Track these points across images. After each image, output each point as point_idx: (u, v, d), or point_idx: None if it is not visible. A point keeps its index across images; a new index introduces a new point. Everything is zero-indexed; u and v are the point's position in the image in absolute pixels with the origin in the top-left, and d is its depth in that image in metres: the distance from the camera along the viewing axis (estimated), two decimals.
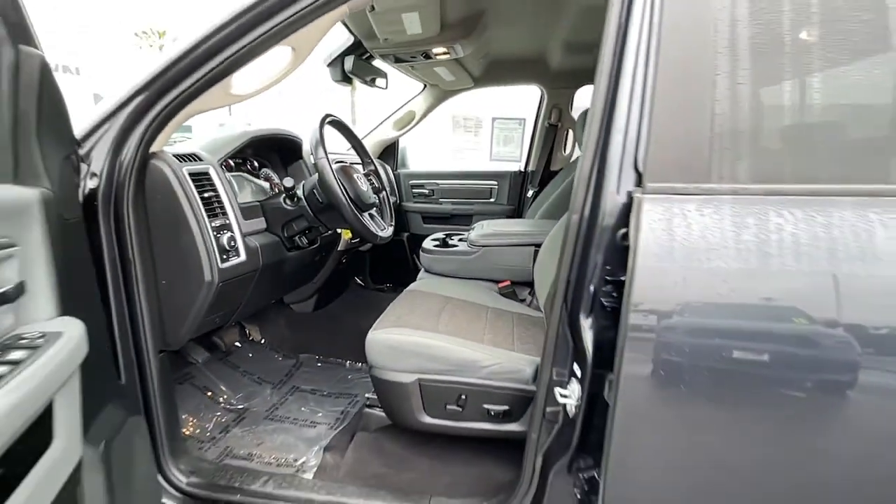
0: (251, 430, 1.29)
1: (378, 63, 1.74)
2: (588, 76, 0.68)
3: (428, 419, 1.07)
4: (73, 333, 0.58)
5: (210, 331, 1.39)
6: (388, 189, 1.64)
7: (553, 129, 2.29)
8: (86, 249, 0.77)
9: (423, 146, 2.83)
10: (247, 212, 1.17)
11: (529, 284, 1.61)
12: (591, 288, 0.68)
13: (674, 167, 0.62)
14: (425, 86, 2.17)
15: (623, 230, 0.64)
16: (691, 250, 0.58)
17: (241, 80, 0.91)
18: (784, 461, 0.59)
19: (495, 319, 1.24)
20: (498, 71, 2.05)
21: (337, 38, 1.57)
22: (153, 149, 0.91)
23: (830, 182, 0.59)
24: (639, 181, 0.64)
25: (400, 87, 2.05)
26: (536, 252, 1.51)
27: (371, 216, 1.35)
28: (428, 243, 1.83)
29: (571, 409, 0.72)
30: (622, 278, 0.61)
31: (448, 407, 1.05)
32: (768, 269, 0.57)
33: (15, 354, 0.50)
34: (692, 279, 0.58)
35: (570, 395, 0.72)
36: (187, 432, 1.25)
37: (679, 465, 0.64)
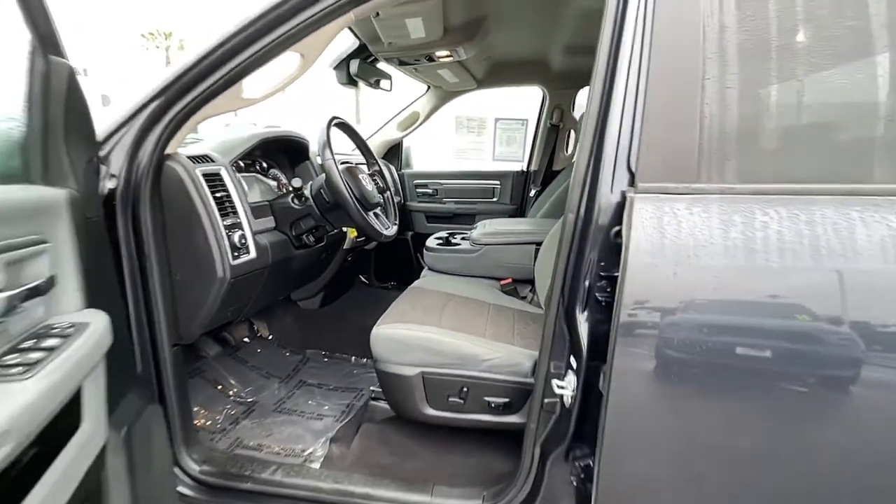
0: (260, 422, 1.33)
1: (382, 66, 1.77)
2: (589, 77, 0.71)
3: (431, 411, 1.11)
4: (98, 324, 0.63)
5: (221, 326, 1.44)
6: (392, 189, 1.67)
7: (555, 129, 2.32)
8: (107, 246, 0.81)
9: (426, 146, 2.87)
10: (256, 211, 1.21)
11: (530, 282, 1.64)
12: (587, 283, 0.71)
13: (665, 168, 0.65)
14: (429, 87, 2.21)
15: (616, 228, 0.67)
16: (681, 247, 0.61)
17: (251, 84, 0.94)
18: (768, 448, 0.62)
19: (496, 315, 1.27)
20: (500, 72, 2.07)
21: (342, 42, 1.61)
22: (168, 151, 0.95)
23: (813, 182, 0.62)
24: (632, 181, 0.67)
25: (404, 89, 2.09)
26: (537, 250, 1.54)
27: (376, 215, 1.39)
28: (431, 242, 1.87)
29: (568, 400, 0.75)
30: (615, 274, 0.64)
31: (450, 399, 1.09)
32: (754, 265, 0.60)
33: (48, 342, 0.54)
34: (682, 275, 0.61)
35: (567, 387, 0.75)
36: (199, 424, 1.29)
37: (669, 451, 0.67)
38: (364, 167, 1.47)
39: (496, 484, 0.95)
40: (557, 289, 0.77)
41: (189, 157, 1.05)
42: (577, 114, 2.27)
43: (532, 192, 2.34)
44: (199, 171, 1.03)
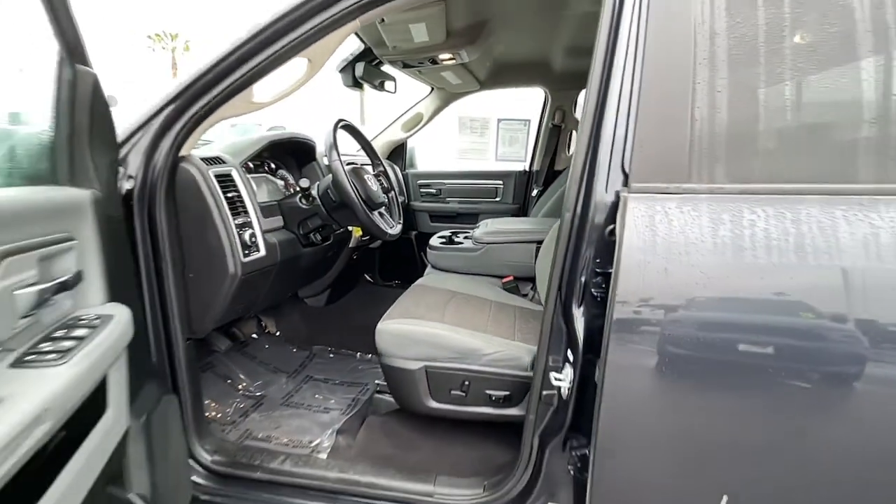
0: (268, 415, 1.37)
1: (387, 68, 1.81)
2: None
3: (434, 404, 1.14)
4: (121, 317, 0.67)
5: (230, 322, 1.48)
6: (396, 189, 1.71)
7: (557, 129, 2.34)
8: (126, 244, 0.85)
9: (430, 147, 2.90)
10: (266, 210, 1.25)
11: (531, 280, 1.67)
12: (583, 279, 0.74)
13: (657, 168, 0.68)
14: (433, 88, 2.24)
15: (611, 226, 0.70)
16: (672, 245, 0.64)
17: (261, 89, 0.98)
18: (752, 438, 0.65)
19: (498, 312, 1.30)
20: (503, 74, 2.10)
21: (348, 45, 1.65)
22: (182, 153, 0.99)
23: (799, 182, 0.64)
24: (625, 181, 0.70)
25: (408, 90, 2.12)
26: (538, 249, 1.57)
27: (381, 215, 1.43)
28: (435, 241, 1.90)
29: (565, 392, 0.78)
30: (610, 271, 0.67)
31: (453, 392, 1.12)
32: (742, 262, 0.63)
33: (78, 332, 0.58)
34: (672, 271, 0.64)
35: (564, 379, 0.78)
36: (210, 416, 1.34)
37: (661, 441, 0.70)
38: (369, 168, 1.51)
39: (497, 474, 0.99)
40: (555, 285, 0.80)
41: (202, 159, 1.09)
42: (578, 114, 2.30)
43: (534, 192, 2.37)
44: (211, 172, 1.08)
